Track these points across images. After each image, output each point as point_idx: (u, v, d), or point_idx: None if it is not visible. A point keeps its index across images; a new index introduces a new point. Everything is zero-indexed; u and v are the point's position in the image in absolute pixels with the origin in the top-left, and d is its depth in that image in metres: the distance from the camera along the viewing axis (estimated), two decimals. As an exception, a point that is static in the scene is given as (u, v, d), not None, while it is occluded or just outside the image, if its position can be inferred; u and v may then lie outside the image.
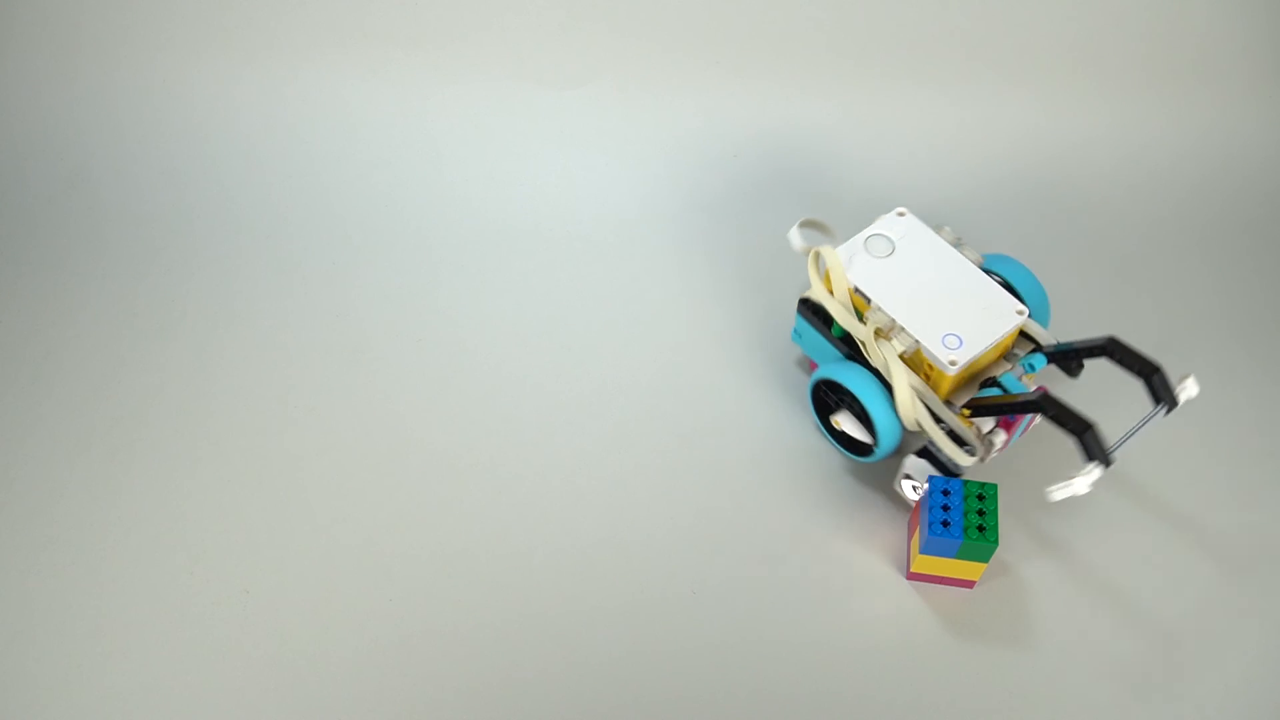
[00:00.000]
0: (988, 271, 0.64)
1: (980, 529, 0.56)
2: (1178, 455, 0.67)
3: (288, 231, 0.78)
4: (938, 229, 0.63)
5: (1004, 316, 0.58)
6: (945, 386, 0.58)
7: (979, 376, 0.59)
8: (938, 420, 0.59)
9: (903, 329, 0.58)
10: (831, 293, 0.61)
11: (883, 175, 0.81)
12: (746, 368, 0.70)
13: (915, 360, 0.58)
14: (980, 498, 0.56)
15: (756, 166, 0.81)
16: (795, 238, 0.62)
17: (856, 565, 0.62)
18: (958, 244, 0.62)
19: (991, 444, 0.58)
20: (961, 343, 0.57)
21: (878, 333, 0.58)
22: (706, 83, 0.81)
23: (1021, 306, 0.58)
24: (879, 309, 0.58)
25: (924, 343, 0.57)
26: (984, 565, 0.58)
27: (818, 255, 0.61)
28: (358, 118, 0.82)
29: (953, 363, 0.56)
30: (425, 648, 0.59)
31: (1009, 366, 0.60)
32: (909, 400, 0.57)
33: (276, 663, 0.58)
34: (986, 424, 0.58)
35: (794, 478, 0.65)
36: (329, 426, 0.68)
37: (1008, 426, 0.59)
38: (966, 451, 0.58)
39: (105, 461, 0.66)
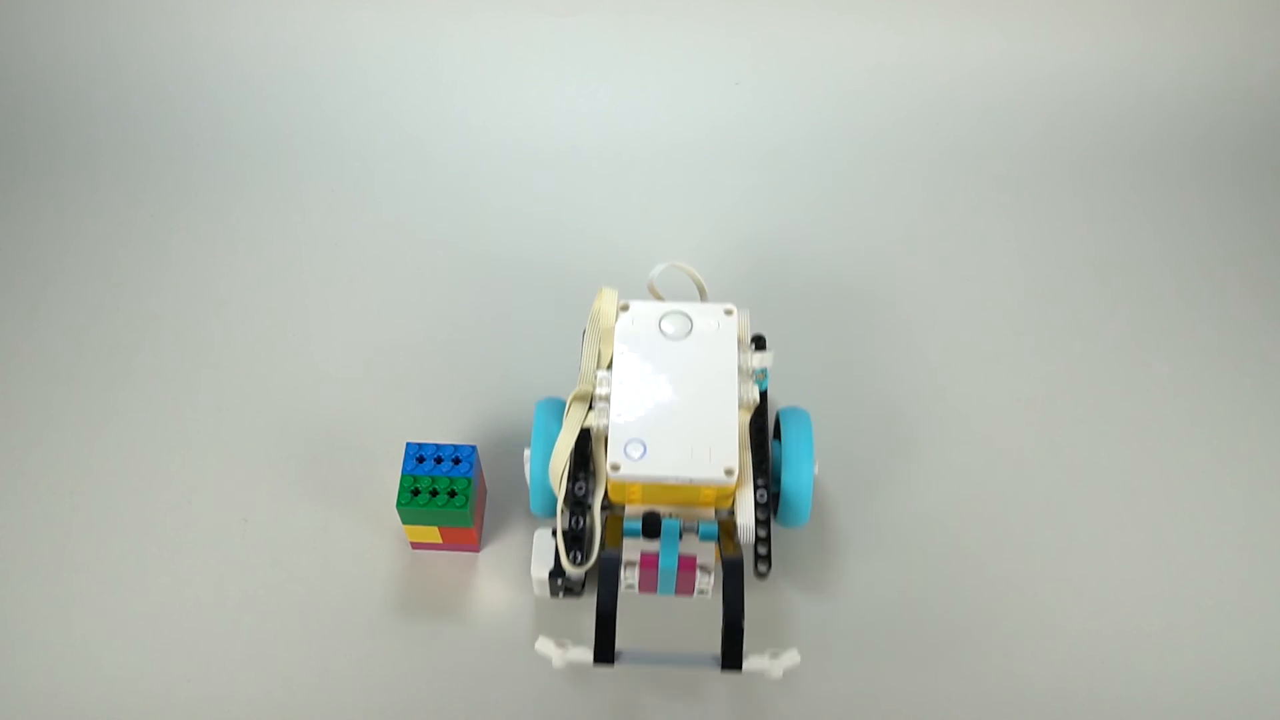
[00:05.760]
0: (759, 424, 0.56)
1: (414, 492, 0.55)
2: (1175, 406, 0.67)
3: (286, 158, 0.78)
4: (752, 346, 0.57)
5: (710, 466, 0.50)
6: (610, 487, 0.52)
7: (692, 507, 0.53)
8: (576, 507, 0.53)
9: (606, 407, 0.52)
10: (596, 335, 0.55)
11: (879, 105, 0.80)
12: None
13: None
14: (451, 494, 0.55)
15: (758, 93, 0.79)
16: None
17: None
18: (756, 371, 0.54)
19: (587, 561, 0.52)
20: (644, 454, 0.50)
21: (586, 395, 0.53)
22: (707, 10, 0.79)
23: (733, 467, 0.50)
24: (605, 379, 0.53)
25: (611, 435, 0.51)
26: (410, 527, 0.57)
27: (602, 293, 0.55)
28: (358, 43, 0.80)
29: (615, 467, 0.50)
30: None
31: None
32: (562, 451, 0.52)
33: (275, 591, 0.59)
34: (631, 550, 0.50)
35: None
36: (327, 354, 0.68)
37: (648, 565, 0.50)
38: (570, 558, 0.53)
39: (103, 390, 0.66)
